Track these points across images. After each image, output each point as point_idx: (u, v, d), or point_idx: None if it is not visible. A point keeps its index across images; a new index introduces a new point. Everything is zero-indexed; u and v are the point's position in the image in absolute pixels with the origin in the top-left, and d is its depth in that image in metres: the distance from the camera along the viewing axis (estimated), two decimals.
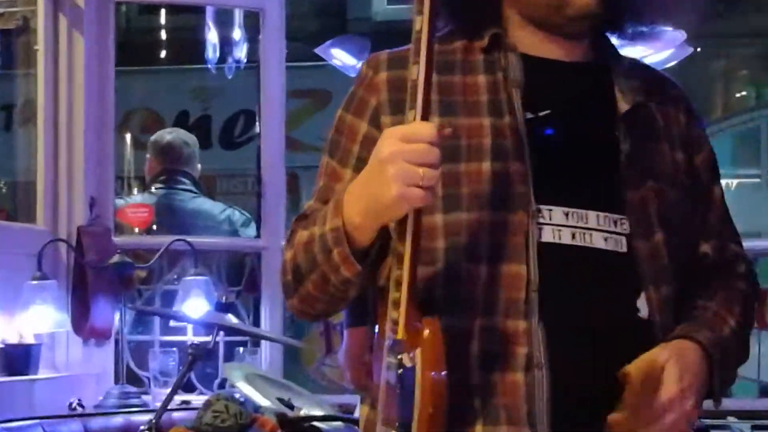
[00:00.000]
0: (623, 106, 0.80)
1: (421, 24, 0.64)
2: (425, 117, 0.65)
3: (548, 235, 0.75)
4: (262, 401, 1.69)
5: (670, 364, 0.70)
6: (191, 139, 2.66)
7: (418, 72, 0.64)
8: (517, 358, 0.71)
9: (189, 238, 2.11)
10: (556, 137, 0.79)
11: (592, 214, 0.78)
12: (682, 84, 0.90)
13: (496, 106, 0.77)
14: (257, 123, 2.41)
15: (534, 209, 0.74)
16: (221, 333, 1.99)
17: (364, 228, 0.67)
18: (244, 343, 2.20)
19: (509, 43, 0.79)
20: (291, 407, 1.67)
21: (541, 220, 0.75)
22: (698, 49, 2.95)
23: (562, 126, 0.80)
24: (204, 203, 2.55)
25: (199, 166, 2.60)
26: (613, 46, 0.86)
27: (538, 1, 0.77)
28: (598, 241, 0.76)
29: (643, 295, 0.75)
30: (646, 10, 0.83)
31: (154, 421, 1.55)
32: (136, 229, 2.39)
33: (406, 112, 0.66)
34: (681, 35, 2.39)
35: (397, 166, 0.62)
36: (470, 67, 0.80)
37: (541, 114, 0.79)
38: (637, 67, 0.88)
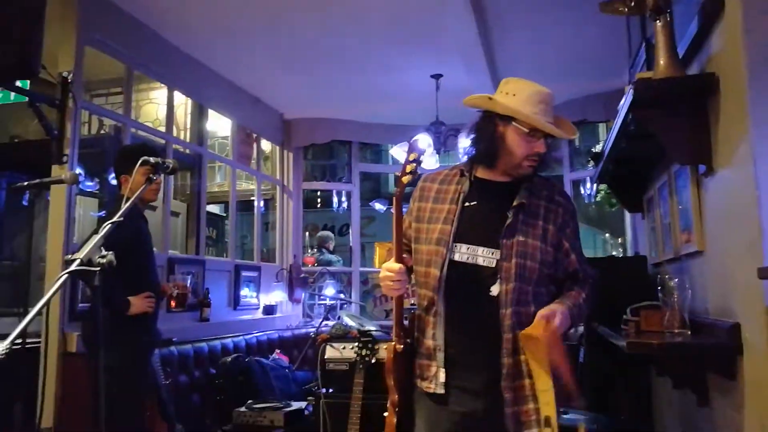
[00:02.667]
0: (516, 201, 1.68)
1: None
2: (398, 258, 1.66)
3: (456, 257, 1.69)
4: (353, 324, 4.15)
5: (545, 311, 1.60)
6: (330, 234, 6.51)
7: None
8: (433, 310, 1.70)
9: (329, 268, 5.77)
10: (474, 213, 1.71)
11: (480, 249, 1.68)
12: None
13: (453, 199, 1.74)
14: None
15: (451, 245, 1.68)
16: (339, 300, 5.53)
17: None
18: (346, 303, 5.65)
19: (470, 175, 1.74)
20: (362, 325, 3.95)
21: (455, 250, 1.68)
22: None
23: (479, 209, 1.71)
24: (330, 255, 6.22)
25: (332, 244, 6.36)
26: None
27: (511, 165, 1.70)
28: (479, 261, 1.67)
29: (496, 284, 1.64)
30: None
31: (315, 331, 4.51)
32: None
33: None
34: None
35: (383, 282, 1.66)
36: (453, 183, 1.78)
37: (470, 204, 1.73)
38: (542, 184, 1.75)
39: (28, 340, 2.41)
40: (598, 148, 3.39)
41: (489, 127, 1.69)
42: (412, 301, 3.07)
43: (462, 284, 1.66)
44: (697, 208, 2.01)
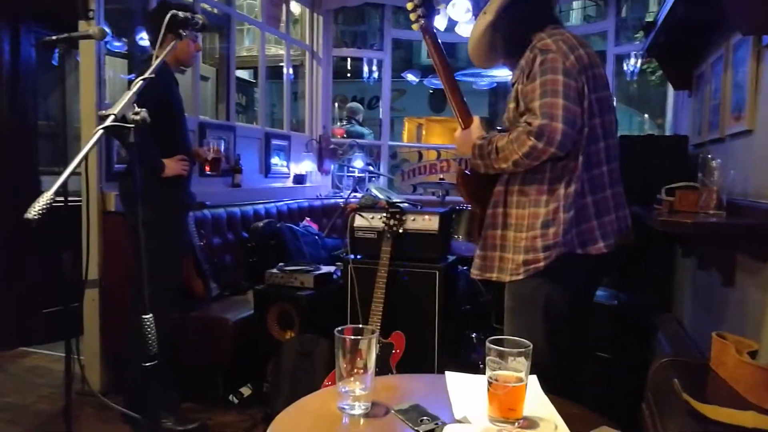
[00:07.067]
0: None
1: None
2: (464, 124, 2.02)
3: None
4: (381, 196, 4.73)
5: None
6: (360, 107, 6.40)
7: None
8: None
9: (359, 141, 5.74)
10: None
11: None
12: None
13: None
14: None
15: None
16: (367, 173, 5.55)
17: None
18: (375, 176, 5.71)
19: None
20: (390, 198, 4.24)
21: None
22: None
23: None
24: (360, 127, 6.19)
25: (361, 116, 6.28)
26: (525, 51, 1.83)
27: None
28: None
29: None
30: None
31: (344, 201, 4.88)
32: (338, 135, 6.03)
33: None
34: None
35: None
36: None
37: None
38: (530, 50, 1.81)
39: (69, 199, 2.53)
40: (649, 19, 3.16)
41: None
42: None
43: None
44: (753, 83, 1.89)
